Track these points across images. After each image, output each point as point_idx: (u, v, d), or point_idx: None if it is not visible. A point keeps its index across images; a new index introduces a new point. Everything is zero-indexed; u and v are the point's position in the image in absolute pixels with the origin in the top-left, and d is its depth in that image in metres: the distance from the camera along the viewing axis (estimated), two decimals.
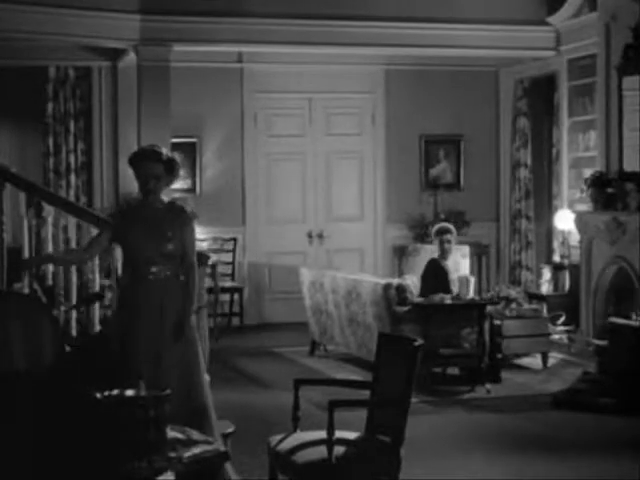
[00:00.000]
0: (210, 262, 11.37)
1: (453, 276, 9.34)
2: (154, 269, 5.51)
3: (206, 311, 6.97)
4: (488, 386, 8.58)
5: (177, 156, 5.99)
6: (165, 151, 5.65)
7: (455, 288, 9.14)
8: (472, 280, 9.96)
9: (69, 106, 12.02)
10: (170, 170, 5.64)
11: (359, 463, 4.94)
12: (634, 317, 8.86)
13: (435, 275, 9.22)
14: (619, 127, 9.96)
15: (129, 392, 4.26)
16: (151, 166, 5.56)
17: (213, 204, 12.26)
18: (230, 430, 6.00)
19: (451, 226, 9.63)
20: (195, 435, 4.41)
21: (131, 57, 10.98)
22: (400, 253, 12.14)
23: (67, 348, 5.51)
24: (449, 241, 9.36)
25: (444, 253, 9.37)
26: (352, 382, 7.05)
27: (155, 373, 5.27)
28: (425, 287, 9.17)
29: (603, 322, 9.58)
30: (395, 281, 9.26)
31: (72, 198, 11.62)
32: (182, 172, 12.15)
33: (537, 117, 12.69)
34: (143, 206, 5.65)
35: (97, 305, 7.13)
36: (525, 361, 9.75)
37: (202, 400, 5.56)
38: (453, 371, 9.17)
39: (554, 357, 9.90)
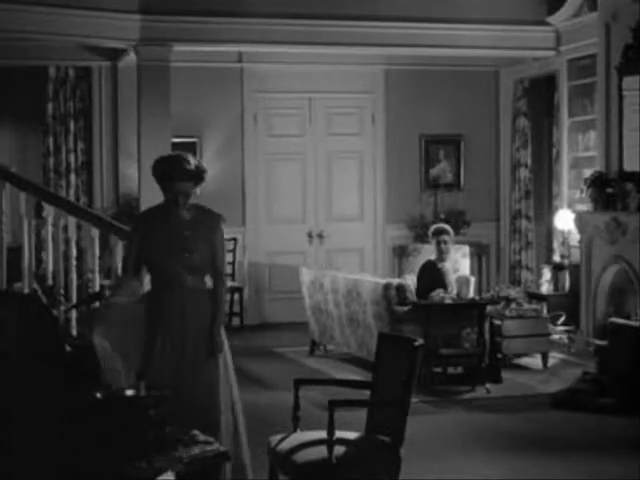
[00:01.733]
0: None
1: (450, 278, 9.29)
2: (179, 280, 5.35)
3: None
4: (488, 386, 8.58)
5: (201, 162, 5.59)
6: (193, 162, 5.39)
7: (453, 289, 9.13)
8: (472, 280, 9.96)
9: (69, 106, 12.03)
10: (199, 181, 5.44)
11: (359, 463, 4.94)
12: (634, 317, 8.86)
13: (430, 277, 9.17)
14: (619, 127, 9.96)
15: (129, 392, 4.26)
16: (181, 185, 5.35)
17: (213, 204, 12.15)
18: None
19: (448, 227, 9.57)
20: (196, 435, 4.40)
21: (131, 57, 10.98)
22: (400, 253, 12.14)
23: (67, 348, 5.50)
24: (445, 242, 9.31)
25: (441, 254, 9.33)
26: (352, 382, 7.05)
27: (175, 383, 5.19)
28: (420, 289, 9.12)
29: (603, 322, 9.59)
30: (395, 281, 9.25)
31: (72, 198, 11.62)
32: None
33: (537, 117, 12.69)
34: (169, 219, 5.43)
35: (97, 305, 7.12)
36: (525, 361, 9.75)
37: (216, 415, 5.42)
38: (454, 371, 9.15)
39: (554, 357, 9.90)
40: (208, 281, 5.49)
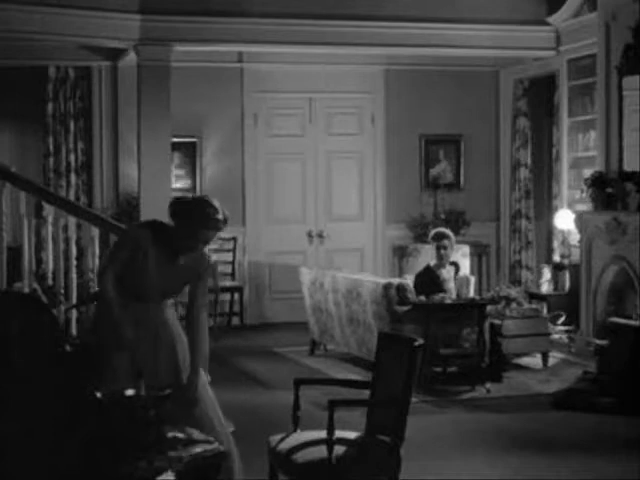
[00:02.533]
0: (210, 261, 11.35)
1: (449, 285, 9.25)
2: (148, 300, 5.13)
3: (206, 310, 6.96)
4: (488, 386, 8.58)
5: (226, 212, 5.08)
6: (220, 210, 4.99)
7: (452, 295, 9.10)
8: (472, 280, 9.95)
9: (69, 106, 12.03)
10: (222, 229, 5.07)
11: (359, 463, 4.94)
12: (634, 317, 8.86)
13: (427, 283, 9.15)
14: (619, 127, 9.96)
15: (129, 392, 4.26)
16: (208, 234, 4.99)
17: None
18: (230, 430, 6.00)
19: (448, 231, 9.49)
20: (195, 435, 4.41)
21: (131, 57, 10.98)
22: (400, 253, 12.14)
23: (67, 348, 5.50)
24: (445, 247, 9.26)
25: (440, 259, 9.29)
26: (352, 382, 7.04)
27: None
28: (416, 293, 9.08)
29: (603, 322, 9.58)
30: (395, 281, 9.24)
31: (72, 198, 11.63)
32: (182, 172, 12.29)
33: (537, 117, 12.69)
34: (170, 259, 5.05)
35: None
36: (525, 361, 9.75)
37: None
38: (453, 370, 9.14)
39: (554, 357, 9.90)
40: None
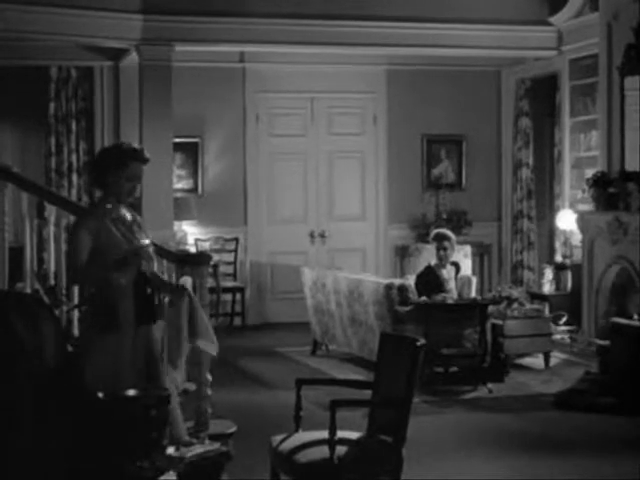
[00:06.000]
0: (212, 262, 11.39)
1: (450, 285, 9.24)
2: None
3: (208, 311, 6.96)
4: (490, 386, 8.58)
5: None
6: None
7: (454, 296, 9.10)
8: (474, 280, 9.95)
9: (71, 106, 12.03)
10: None
11: (361, 463, 4.94)
12: (636, 317, 8.86)
13: (428, 283, 9.15)
14: (621, 127, 9.96)
15: (131, 392, 4.26)
16: (139, 165, 5.18)
17: (215, 204, 12.27)
18: (232, 430, 6.01)
19: (449, 233, 9.48)
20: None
21: (133, 57, 10.99)
22: (402, 253, 12.14)
23: (69, 348, 5.50)
24: (445, 248, 9.25)
25: (441, 260, 9.30)
26: (354, 382, 7.05)
27: None
28: (418, 293, 9.08)
29: (605, 322, 9.59)
30: (397, 281, 9.24)
31: (74, 198, 11.62)
32: (184, 172, 12.28)
33: (539, 117, 12.69)
34: (124, 214, 5.25)
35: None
36: (527, 361, 9.75)
37: None
38: (456, 370, 9.14)
39: (556, 357, 9.89)
40: None
